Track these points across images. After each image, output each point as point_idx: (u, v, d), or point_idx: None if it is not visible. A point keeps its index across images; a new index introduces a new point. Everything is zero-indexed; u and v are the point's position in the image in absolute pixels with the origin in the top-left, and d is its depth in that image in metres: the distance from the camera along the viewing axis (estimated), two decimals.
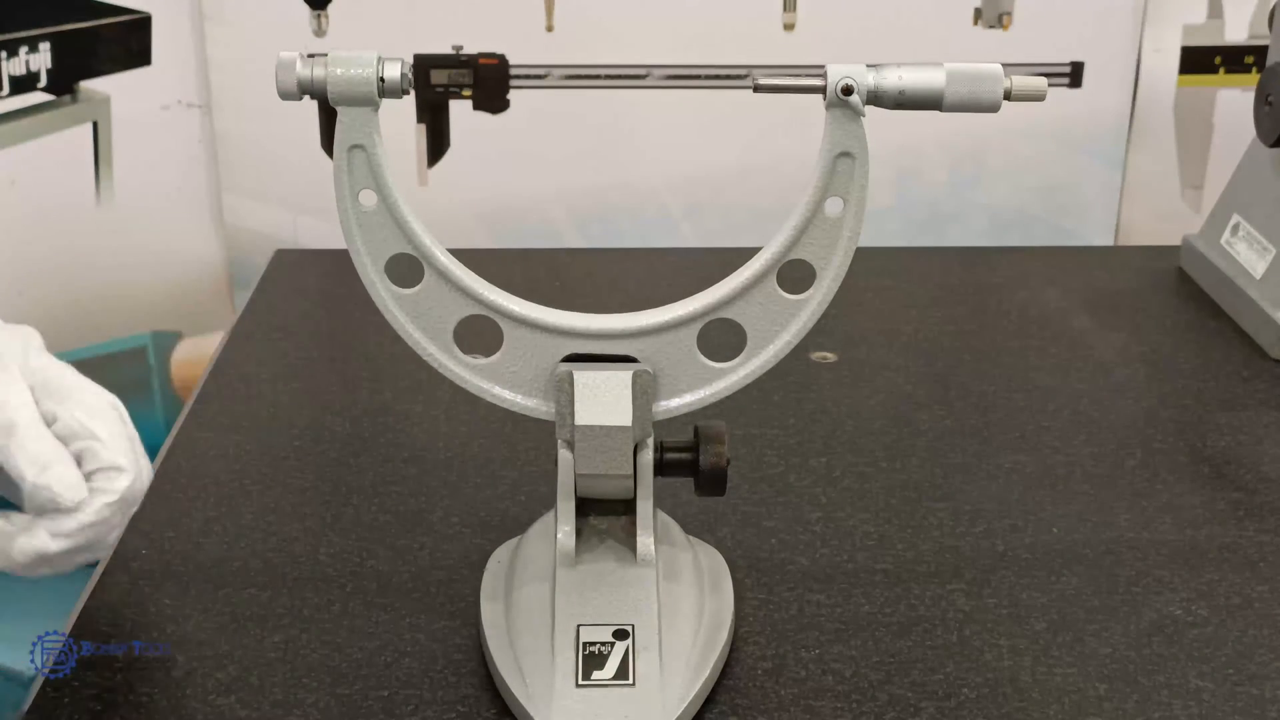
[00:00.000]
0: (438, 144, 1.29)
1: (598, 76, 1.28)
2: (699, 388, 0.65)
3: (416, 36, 1.24)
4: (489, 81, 1.26)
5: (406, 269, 0.63)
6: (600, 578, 0.65)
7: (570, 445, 0.64)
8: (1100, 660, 0.68)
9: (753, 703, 0.65)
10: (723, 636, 0.66)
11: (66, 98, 1.23)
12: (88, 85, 1.24)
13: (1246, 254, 1.05)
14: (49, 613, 0.72)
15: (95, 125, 1.24)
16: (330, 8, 1.24)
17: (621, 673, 0.62)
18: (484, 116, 1.27)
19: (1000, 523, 0.79)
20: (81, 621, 0.70)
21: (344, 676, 0.66)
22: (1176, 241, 1.16)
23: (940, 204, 1.34)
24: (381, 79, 0.58)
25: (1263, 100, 1.03)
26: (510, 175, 1.30)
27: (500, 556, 0.72)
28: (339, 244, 0.63)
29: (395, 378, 0.95)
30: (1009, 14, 1.28)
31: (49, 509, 0.59)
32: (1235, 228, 1.08)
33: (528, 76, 1.27)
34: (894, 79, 0.59)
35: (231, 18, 1.24)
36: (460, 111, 1.27)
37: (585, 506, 0.67)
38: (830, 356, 0.99)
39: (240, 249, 1.30)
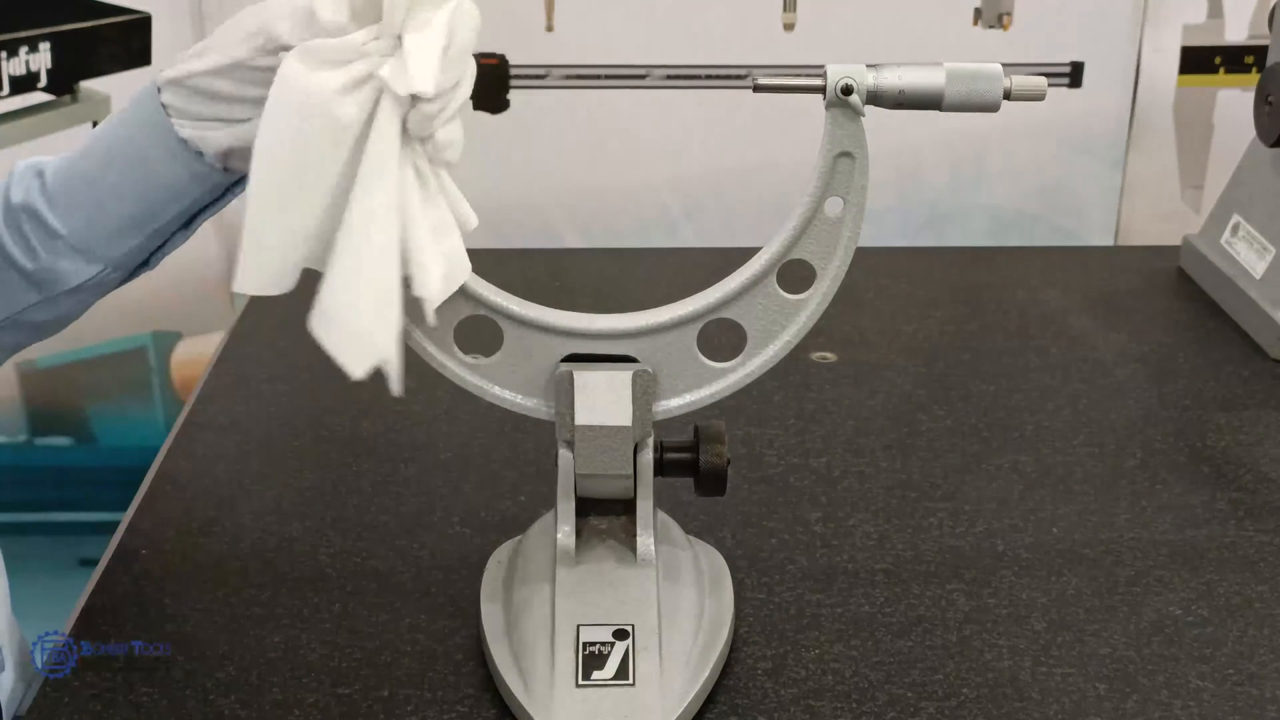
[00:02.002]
0: None
1: (598, 76, 1.28)
2: (699, 388, 0.65)
3: None
4: (489, 81, 1.25)
5: None
6: (600, 578, 0.65)
7: (570, 445, 0.64)
8: (1100, 660, 0.68)
9: (753, 703, 0.65)
10: (723, 636, 0.66)
11: (66, 98, 1.23)
12: (88, 85, 1.24)
13: (1246, 254, 1.05)
14: (49, 613, 0.72)
15: (95, 125, 1.24)
16: None
17: (621, 673, 0.62)
18: (484, 116, 1.27)
19: (1000, 523, 0.79)
20: (81, 621, 0.70)
21: (344, 676, 0.66)
22: (1176, 241, 1.16)
23: (940, 204, 1.34)
24: None
25: (1263, 100, 1.03)
26: (510, 175, 1.30)
27: (500, 556, 0.72)
28: None
29: None
30: (1009, 14, 1.28)
31: None
32: (1235, 228, 1.07)
33: (528, 76, 1.27)
34: (894, 79, 0.59)
35: None
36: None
37: (585, 506, 0.67)
38: (830, 356, 0.99)
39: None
